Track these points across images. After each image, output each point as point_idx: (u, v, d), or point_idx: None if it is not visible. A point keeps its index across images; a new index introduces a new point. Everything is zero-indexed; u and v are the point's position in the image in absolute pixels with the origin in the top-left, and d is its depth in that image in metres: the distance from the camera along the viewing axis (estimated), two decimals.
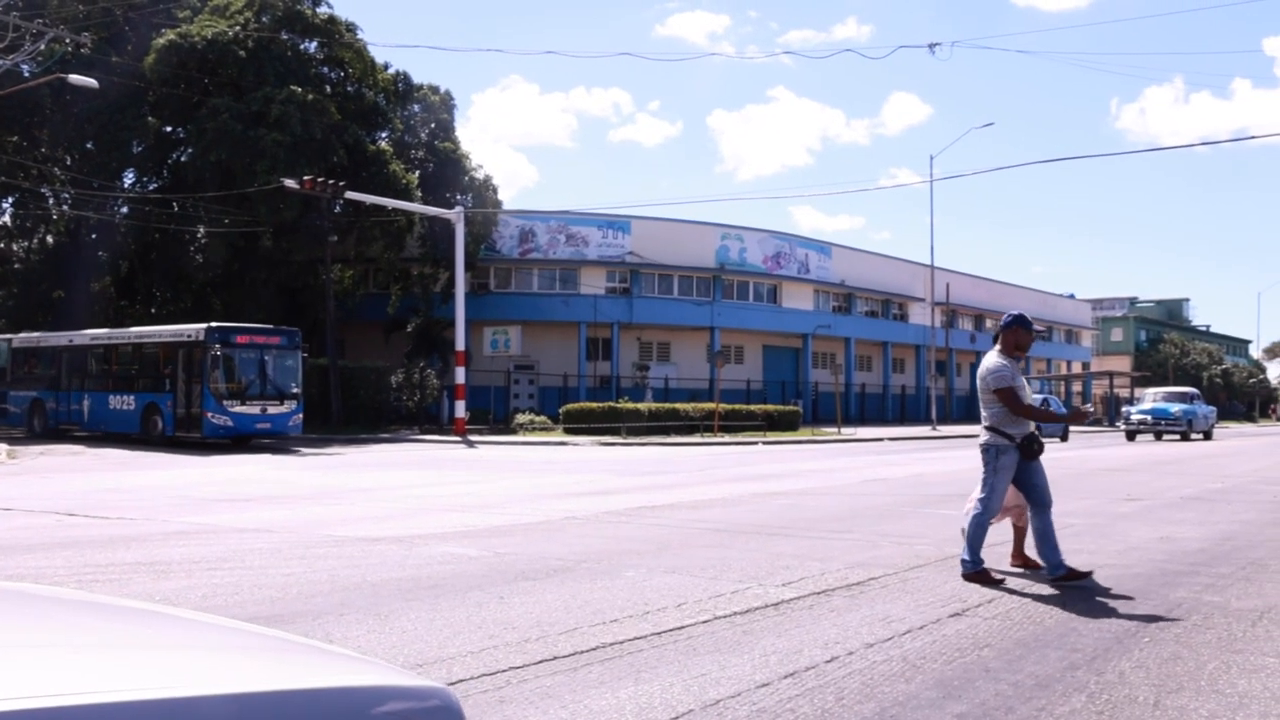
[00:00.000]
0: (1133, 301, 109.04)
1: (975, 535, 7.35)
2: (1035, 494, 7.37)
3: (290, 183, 28.70)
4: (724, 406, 36.63)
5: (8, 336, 32.46)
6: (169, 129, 37.09)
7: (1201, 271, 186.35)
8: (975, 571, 7.30)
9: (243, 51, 34.38)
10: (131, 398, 26.80)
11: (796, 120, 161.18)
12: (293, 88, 33.65)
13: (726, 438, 33.49)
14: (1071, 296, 79.74)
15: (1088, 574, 7.36)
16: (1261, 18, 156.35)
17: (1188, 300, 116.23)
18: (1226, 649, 5.42)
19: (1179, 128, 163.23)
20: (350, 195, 30.59)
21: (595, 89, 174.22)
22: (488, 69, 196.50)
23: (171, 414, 25.38)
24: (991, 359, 7.54)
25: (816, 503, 13.17)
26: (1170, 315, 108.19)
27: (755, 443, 31.86)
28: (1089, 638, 5.66)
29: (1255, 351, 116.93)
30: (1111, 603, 6.66)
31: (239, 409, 24.73)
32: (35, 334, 31.82)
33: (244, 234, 34.97)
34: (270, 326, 27.29)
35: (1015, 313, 7.75)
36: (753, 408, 39.11)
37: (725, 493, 14.39)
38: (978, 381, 7.65)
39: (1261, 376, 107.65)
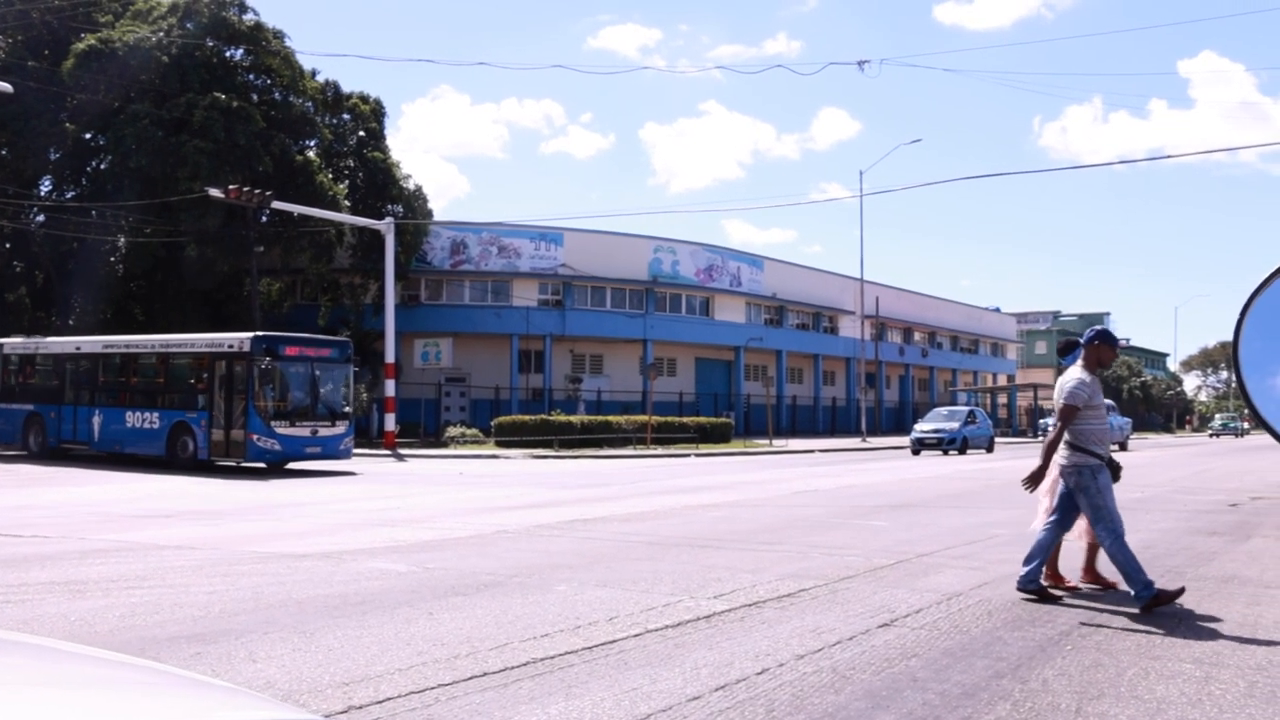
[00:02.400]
0: (1056, 315, 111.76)
1: (1123, 559, 6.86)
2: (1069, 517, 7.29)
3: (215, 191, 28.03)
4: (657, 419, 36.69)
5: None
6: (88, 135, 36.11)
7: (1122, 286, 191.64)
8: (1152, 596, 6.74)
9: (166, 58, 33.68)
10: (156, 415, 23.33)
11: (728, 134, 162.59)
12: (216, 94, 33.05)
13: (659, 450, 33.56)
14: (997, 310, 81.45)
15: (1054, 597, 7.16)
16: (1176, 41, 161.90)
17: (1108, 314, 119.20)
18: (1146, 655, 5.55)
19: (1099, 146, 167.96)
20: (277, 205, 30.00)
21: (527, 100, 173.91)
22: (418, 79, 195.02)
23: (206, 435, 22.13)
24: (1072, 373, 7.20)
25: (748, 515, 13.24)
26: None
27: (688, 455, 31.96)
28: (1014, 646, 5.75)
29: (1173, 364, 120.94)
30: (1036, 611, 6.78)
31: (287, 430, 21.80)
32: (33, 339, 28.32)
33: (166, 243, 34.20)
34: (320, 337, 25.00)
35: (1099, 328, 7.47)
36: (685, 420, 39.21)
37: (658, 505, 14.39)
38: (1055, 397, 7.28)
39: (1179, 389, 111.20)
